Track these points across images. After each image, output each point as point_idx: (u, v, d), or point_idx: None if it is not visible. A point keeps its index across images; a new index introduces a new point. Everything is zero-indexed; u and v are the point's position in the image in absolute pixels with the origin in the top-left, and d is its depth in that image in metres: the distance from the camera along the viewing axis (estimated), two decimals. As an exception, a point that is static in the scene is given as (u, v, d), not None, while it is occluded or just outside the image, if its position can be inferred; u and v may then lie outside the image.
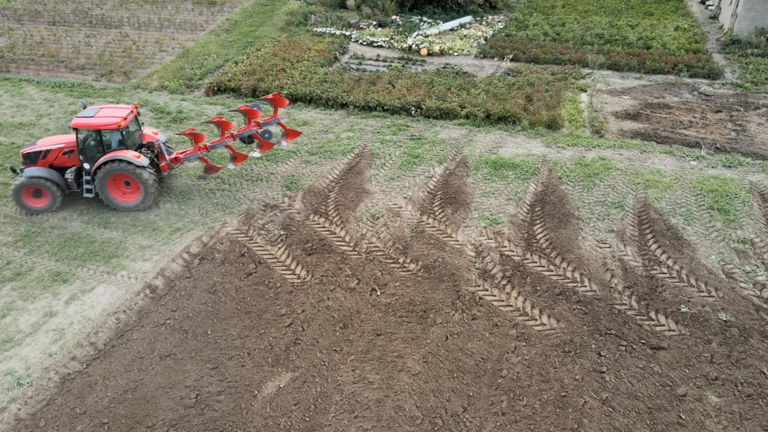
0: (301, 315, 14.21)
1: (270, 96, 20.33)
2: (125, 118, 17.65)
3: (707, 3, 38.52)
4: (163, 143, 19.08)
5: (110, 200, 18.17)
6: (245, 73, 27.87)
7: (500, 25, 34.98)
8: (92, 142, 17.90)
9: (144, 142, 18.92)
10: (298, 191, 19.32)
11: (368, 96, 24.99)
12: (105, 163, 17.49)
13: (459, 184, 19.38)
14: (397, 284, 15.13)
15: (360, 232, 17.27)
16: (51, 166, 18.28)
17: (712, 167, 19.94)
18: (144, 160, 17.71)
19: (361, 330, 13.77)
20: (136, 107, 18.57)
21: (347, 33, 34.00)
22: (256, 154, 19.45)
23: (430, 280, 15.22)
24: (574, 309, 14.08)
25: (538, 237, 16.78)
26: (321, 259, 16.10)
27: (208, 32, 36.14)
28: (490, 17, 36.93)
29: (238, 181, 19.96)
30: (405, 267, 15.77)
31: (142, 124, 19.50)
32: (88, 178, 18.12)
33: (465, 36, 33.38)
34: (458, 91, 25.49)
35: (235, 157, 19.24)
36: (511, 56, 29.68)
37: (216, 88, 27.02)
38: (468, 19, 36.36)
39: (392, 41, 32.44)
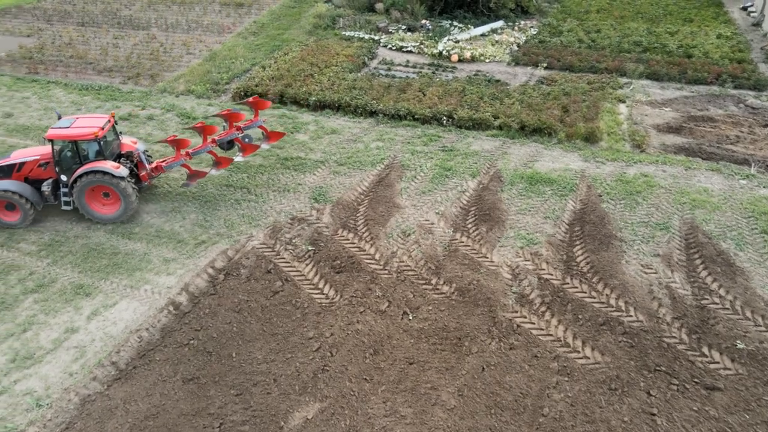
0: (330, 339, 13.57)
1: (250, 99, 19.97)
2: (102, 128, 17.16)
3: (749, 9, 37.07)
4: (143, 152, 18.60)
5: (89, 212, 17.65)
6: (272, 78, 27.36)
7: (533, 31, 34.02)
8: (69, 154, 17.38)
9: (123, 152, 18.43)
10: (327, 204, 18.70)
11: (398, 104, 24.30)
12: (83, 175, 16.99)
13: (493, 200, 18.58)
14: (430, 308, 14.42)
15: (390, 249, 16.59)
16: (26, 179, 17.75)
17: (764, 187, 18.85)
18: (123, 171, 17.19)
19: (392, 357, 13.09)
20: (113, 116, 18.12)
21: (376, 37, 33.34)
22: (240, 158, 19.21)
23: (465, 305, 14.47)
24: (620, 341, 13.22)
25: (579, 260, 15.92)
26: (350, 278, 15.45)
27: (236, 35, 35.77)
28: (522, 22, 35.97)
29: (264, 192, 19.41)
30: (438, 289, 15.05)
31: (121, 133, 19.06)
32: (66, 190, 17.62)
33: (497, 42, 32.49)
34: (491, 101, 24.65)
35: (219, 162, 18.70)
36: (545, 64, 28.72)
37: (243, 93, 26.51)
38: (499, 24, 35.46)
39: (422, 46, 31.69)
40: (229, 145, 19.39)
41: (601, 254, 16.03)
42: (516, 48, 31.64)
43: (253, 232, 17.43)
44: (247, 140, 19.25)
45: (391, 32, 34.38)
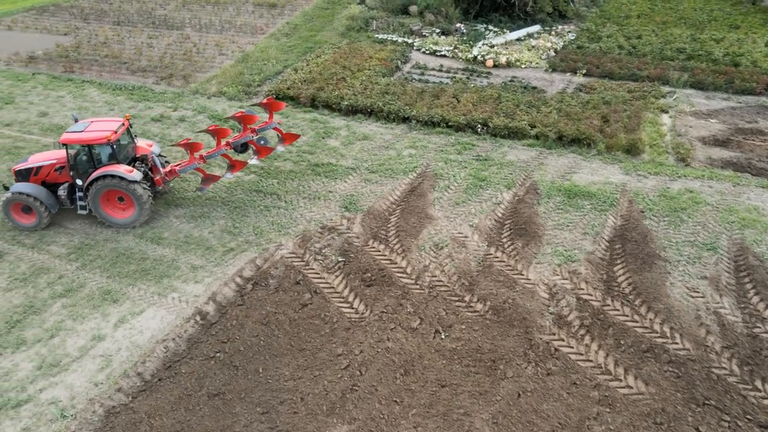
0: (359, 356, 13.13)
1: (264, 101, 19.71)
2: (116, 132, 16.95)
3: (799, 16, 35.56)
4: (157, 156, 18.38)
5: (104, 217, 17.49)
6: (304, 81, 27.08)
7: (571, 36, 33.12)
8: (83, 158, 17.22)
9: (138, 155, 18.22)
10: (357, 213, 18.28)
11: (432, 110, 23.77)
12: (97, 179, 16.82)
13: (529, 213, 17.93)
14: (463, 327, 13.87)
15: (422, 262, 16.08)
16: (43, 183, 17.70)
17: (819, 207, 17.84)
18: (137, 175, 16.95)
19: (423, 379, 12.58)
20: (128, 119, 17.90)
21: (409, 41, 32.85)
22: (255, 161, 18.92)
23: (500, 324, 13.89)
24: (665, 371, 12.49)
25: (620, 280, 15.19)
26: (380, 293, 14.99)
27: (268, 36, 35.66)
28: (559, 27, 35.09)
29: (294, 199, 19.08)
30: (471, 307, 14.49)
31: (136, 136, 18.88)
32: (81, 194, 17.49)
33: (533, 47, 31.71)
34: (527, 109, 23.95)
35: (233, 166, 18.41)
36: (584, 71, 27.86)
37: (275, 96, 26.25)
38: (536, 28, 34.64)
39: (456, 51, 31.09)
40: (243, 147, 19.14)
41: (644, 275, 15.28)
42: (553, 54, 30.83)
43: (282, 241, 17.10)
44: (261, 142, 18.99)
45: (424, 35, 33.85)
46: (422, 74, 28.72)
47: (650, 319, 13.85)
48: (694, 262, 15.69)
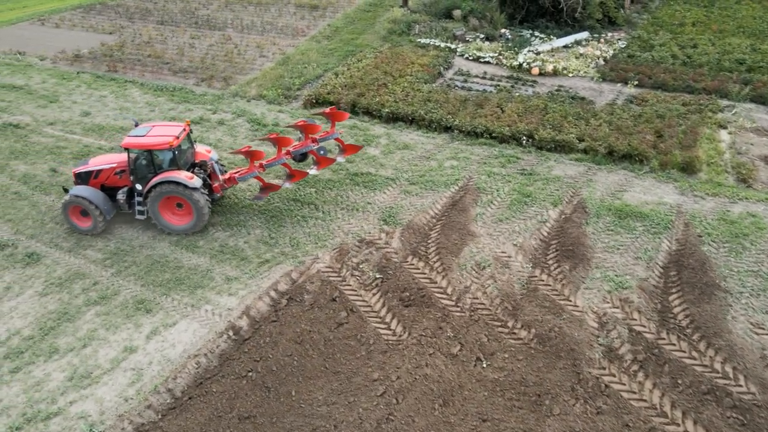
0: (396, 383, 12.52)
1: (327, 110, 19.24)
2: (177, 137, 16.67)
3: None
4: (216, 162, 18.07)
5: (162, 223, 17.27)
6: (345, 86, 26.61)
7: (621, 44, 31.83)
8: (143, 162, 16.99)
9: (196, 161, 17.92)
10: (397, 226, 17.68)
11: (475, 120, 22.99)
12: (157, 185, 16.60)
13: (577, 234, 17.03)
14: (506, 356, 13.12)
15: (463, 283, 15.37)
16: (102, 187, 17.55)
17: None
18: (197, 182, 16.65)
19: (463, 411, 11.90)
20: (188, 125, 17.60)
21: (452, 46, 32.06)
22: (315, 171, 18.40)
23: (545, 355, 13.09)
24: (728, 416, 11.52)
25: (676, 311, 14.20)
26: (419, 314, 14.35)
27: (309, 38, 35.35)
28: (608, 34, 33.79)
29: (332, 210, 18.58)
30: (515, 334, 13.73)
31: (195, 141, 18.55)
32: (140, 199, 17.26)
33: (581, 55, 30.56)
34: (576, 121, 22.95)
35: (293, 175, 17.94)
36: (635, 81, 26.65)
37: (314, 101, 25.92)
38: (584, 35, 33.42)
39: (501, 57, 30.17)
40: (302, 157, 18.71)
41: (703, 306, 14.25)
42: (602, 62, 29.63)
43: (318, 254, 16.62)
44: (321, 153, 18.54)
45: (468, 41, 33.02)
46: (465, 81, 27.93)
47: (710, 357, 12.86)
48: (758, 294, 14.58)
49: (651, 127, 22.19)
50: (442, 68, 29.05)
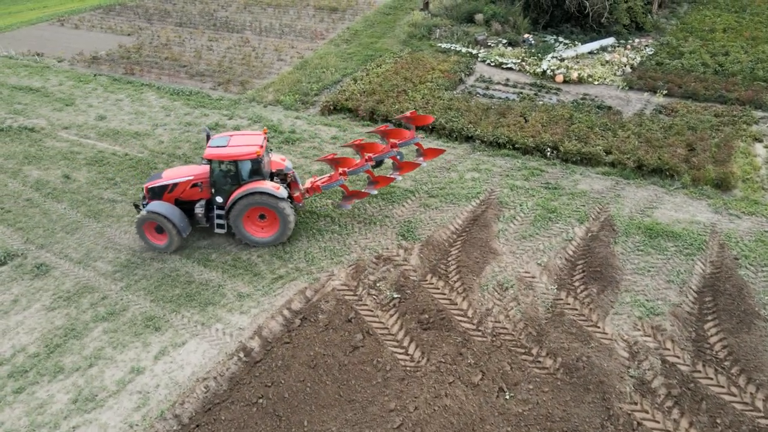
0: (414, 413, 11.85)
1: (408, 114, 18.69)
2: (261, 146, 16.12)
3: None
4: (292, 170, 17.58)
5: (245, 235, 16.69)
6: (364, 92, 25.98)
7: (649, 51, 30.81)
8: (227, 174, 16.26)
9: (274, 170, 17.32)
10: (415, 242, 17.00)
11: (497, 130, 22.23)
12: (243, 197, 15.98)
13: (605, 254, 16.21)
14: (531, 387, 12.39)
15: (485, 305, 14.65)
16: (177, 201, 16.79)
17: None
18: (284, 191, 16.20)
19: (485, 448, 11.19)
20: (266, 133, 17.03)
21: (474, 51, 31.29)
22: (398, 176, 17.93)
23: (572, 387, 12.33)
24: (772, 463, 10.68)
25: (712, 341, 13.35)
26: (439, 338, 13.66)
27: (328, 42, 34.81)
28: (636, 40, 32.77)
29: (349, 223, 17.96)
30: (540, 362, 12.98)
31: (270, 150, 17.98)
32: (220, 212, 16.61)
33: (607, 62, 29.61)
34: (602, 132, 22.08)
35: (377, 182, 17.54)
36: (665, 91, 25.67)
37: (332, 107, 25.35)
38: (610, 41, 32.44)
39: (524, 64, 29.34)
40: (377, 163, 18.17)
41: (741, 336, 13.38)
42: (629, 70, 28.66)
43: (334, 270, 16.00)
44: (399, 158, 18.13)
45: (490, 46, 32.22)
46: (487, 88, 27.15)
47: (751, 394, 12.01)
48: (801, 325, 13.68)
49: (682, 140, 21.24)
50: (463, 74, 28.31)
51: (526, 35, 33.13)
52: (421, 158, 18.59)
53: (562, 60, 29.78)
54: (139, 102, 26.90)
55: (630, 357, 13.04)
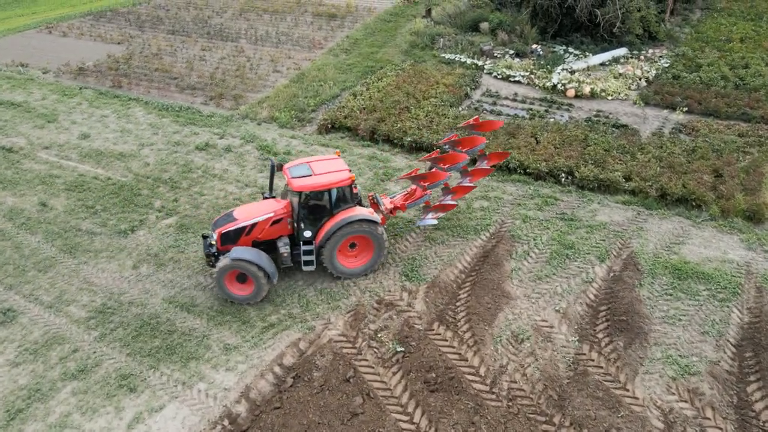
0: (420, 501, 10.31)
1: (472, 120, 17.96)
2: (350, 171, 15.05)
3: None
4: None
5: (339, 269, 15.44)
6: (364, 109, 24.45)
7: (664, 63, 29.26)
8: (318, 204, 15.01)
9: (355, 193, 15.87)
10: (420, 284, 15.48)
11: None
12: (340, 227, 14.77)
13: (630, 299, 14.68)
14: (554, 467, 10.85)
15: (499, 361, 13.13)
16: (253, 243, 15.11)
17: None
18: (377, 215, 15.04)
19: None
20: (339, 155, 15.96)
21: (479, 62, 29.76)
22: (472, 183, 17.26)
23: (602, 467, 10.80)
24: None
25: (757, 408, 11.82)
26: (448, 402, 12.13)
27: (326, 51, 33.28)
28: (649, 51, 31.22)
29: (347, 260, 16.41)
30: (563, 435, 11.45)
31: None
32: (308, 247, 15.15)
33: (620, 75, 28.08)
34: (620, 155, 20.54)
35: (454, 192, 16.70)
36: (685, 108, 24.14)
37: (330, 125, 23.83)
38: (622, 52, 30.89)
39: (533, 77, 27.80)
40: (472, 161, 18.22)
41: (789, 403, 11.86)
42: (644, 84, 27.13)
43: (331, 317, 14.48)
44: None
45: (496, 57, 30.68)
46: (494, 104, 25.63)
47: (807, 478, 10.49)
48: None
49: (707, 164, 19.69)
50: (468, 89, 26.79)
51: (534, 45, 31.60)
52: (485, 161, 17.76)
53: (573, 72, 28.25)
54: (125, 119, 25.37)
55: (665, 429, 11.51)
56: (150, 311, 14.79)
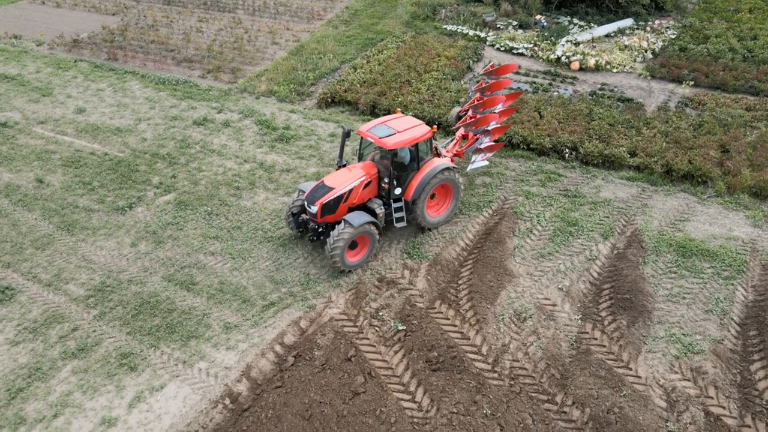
0: (422, 480, 10.32)
1: (489, 68, 19.37)
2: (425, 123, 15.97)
3: None
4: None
5: (428, 220, 16.04)
6: (364, 82, 23.99)
7: (670, 34, 28.65)
8: (405, 160, 15.63)
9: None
10: (422, 261, 15.33)
11: (510, 127, 20.30)
12: (431, 178, 15.38)
13: (633, 277, 14.54)
14: (557, 446, 10.83)
15: (501, 339, 13.05)
16: (349, 209, 15.29)
17: None
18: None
19: None
20: (399, 113, 16.80)
21: (482, 34, 29.14)
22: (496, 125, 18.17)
23: (604, 447, 10.78)
24: None
25: (761, 387, 11.76)
26: (450, 382, 12.07)
27: (326, 23, 32.59)
28: (656, 22, 30.55)
29: (348, 238, 16.22)
30: (566, 413, 11.42)
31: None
32: (400, 204, 15.60)
33: (626, 47, 27.51)
34: (625, 130, 20.20)
35: (493, 133, 17.81)
36: (691, 82, 23.69)
37: (330, 99, 23.40)
38: (628, 22, 30.23)
39: (536, 49, 27.25)
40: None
41: (793, 382, 11.80)
42: (650, 56, 26.58)
43: (332, 295, 14.36)
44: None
45: (499, 28, 30.06)
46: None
47: (810, 458, 10.48)
48: None
49: (714, 140, 19.37)
50: (471, 61, 26.27)
51: (537, 16, 30.93)
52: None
53: (577, 44, 27.70)
54: (121, 92, 24.92)
55: (668, 407, 11.47)
56: (149, 289, 14.67)
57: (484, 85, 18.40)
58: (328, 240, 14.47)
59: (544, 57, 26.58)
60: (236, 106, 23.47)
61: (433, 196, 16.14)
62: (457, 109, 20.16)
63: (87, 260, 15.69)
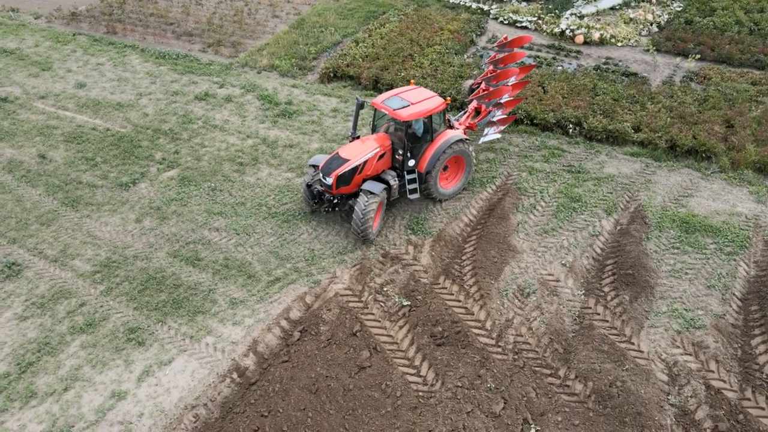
0: (428, 452, 10.53)
1: (502, 40, 19.16)
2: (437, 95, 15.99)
3: None
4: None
5: (440, 191, 16.26)
6: (366, 56, 23.76)
7: (676, 6, 28.27)
8: (419, 132, 15.64)
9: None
10: (426, 237, 15.39)
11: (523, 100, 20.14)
12: (445, 149, 15.51)
13: (636, 252, 14.61)
14: (559, 418, 11.04)
15: (505, 315, 13.18)
16: (363, 181, 15.43)
17: None
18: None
19: (509, 495, 9.92)
20: (413, 84, 17.06)
21: (485, 7, 28.76)
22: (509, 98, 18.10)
23: (606, 419, 10.98)
24: None
25: (761, 361, 11.93)
26: (454, 356, 12.24)
27: (327, -5, 32.07)
28: (661, -6, 30.11)
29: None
30: (568, 386, 11.60)
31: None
32: (413, 176, 15.77)
33: (631, 20, 27.18)
34: (630, 105, 20.07)
35: (505, 105, 17.85)
36: (697, 55, 23.46)
37: (332, 74, 23.21)
38: (634, -5, 29.79)
39: (540, 22, 26.91)
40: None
41: (793, 356, 11.96)
42: (656, 29, 26.28)
43: (337, 271, 14.46)
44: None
45: (503, 1, 29.62)
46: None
47: (808, 430, 10.67)
48: None
49: (718, 115, 19.26)
50: (474, 35, 25.96)
51: (542, -12, 30.41)
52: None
53: (582, 17, 27.34)
54: (121, 67, 24.70)
55: (669, 381, 11.65)
56: (155, 265, 14.76)
57: (497, 58, 18.49)
58: (354, 215, 14.65)
59: (548, 30, 26.28)
60: (238, 81, 23.28)
61: (445, 168, 16.25)
62: (470, 82, 20.05)
63: (92, 236, 15.75)
